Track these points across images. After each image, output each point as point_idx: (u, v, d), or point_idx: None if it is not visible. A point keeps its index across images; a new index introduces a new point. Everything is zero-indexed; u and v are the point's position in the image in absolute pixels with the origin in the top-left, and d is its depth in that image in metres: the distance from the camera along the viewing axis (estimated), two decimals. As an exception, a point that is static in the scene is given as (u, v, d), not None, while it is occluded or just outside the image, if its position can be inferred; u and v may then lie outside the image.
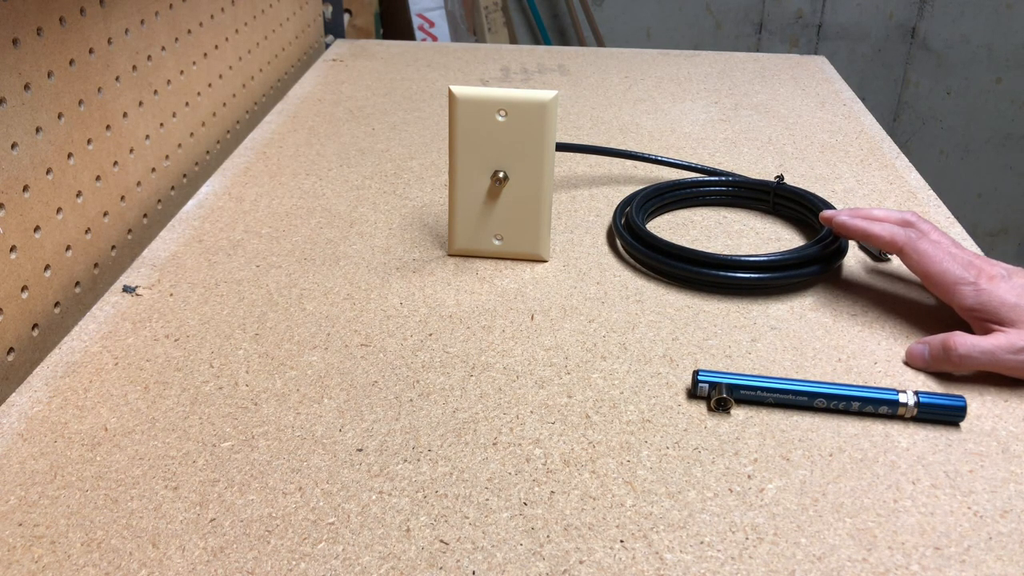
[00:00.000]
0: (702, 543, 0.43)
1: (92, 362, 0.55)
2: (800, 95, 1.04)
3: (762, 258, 0.63)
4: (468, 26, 2.03)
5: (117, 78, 0.71)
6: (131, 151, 0.74)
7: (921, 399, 0.50)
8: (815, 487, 0.46)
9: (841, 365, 0.56)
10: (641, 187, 0.77)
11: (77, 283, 0.66)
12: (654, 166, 0.84)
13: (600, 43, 2.21)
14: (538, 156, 0.63)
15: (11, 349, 0.58)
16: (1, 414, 0.51)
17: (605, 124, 0.95)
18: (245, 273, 0.65)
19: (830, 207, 0.69)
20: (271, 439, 0.49)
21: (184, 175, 0.85)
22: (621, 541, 0.43)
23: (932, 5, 2.15)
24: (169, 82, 0.80)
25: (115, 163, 0.71)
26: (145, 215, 0.77)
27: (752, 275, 0.62)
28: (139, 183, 0.76)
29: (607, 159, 0.86)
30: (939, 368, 0.55)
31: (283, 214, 0.74)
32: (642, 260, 0.66)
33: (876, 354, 0.57)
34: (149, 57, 0.76)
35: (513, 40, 2.19)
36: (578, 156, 0.87)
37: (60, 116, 0.63)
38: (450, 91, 0.62)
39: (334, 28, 1.28)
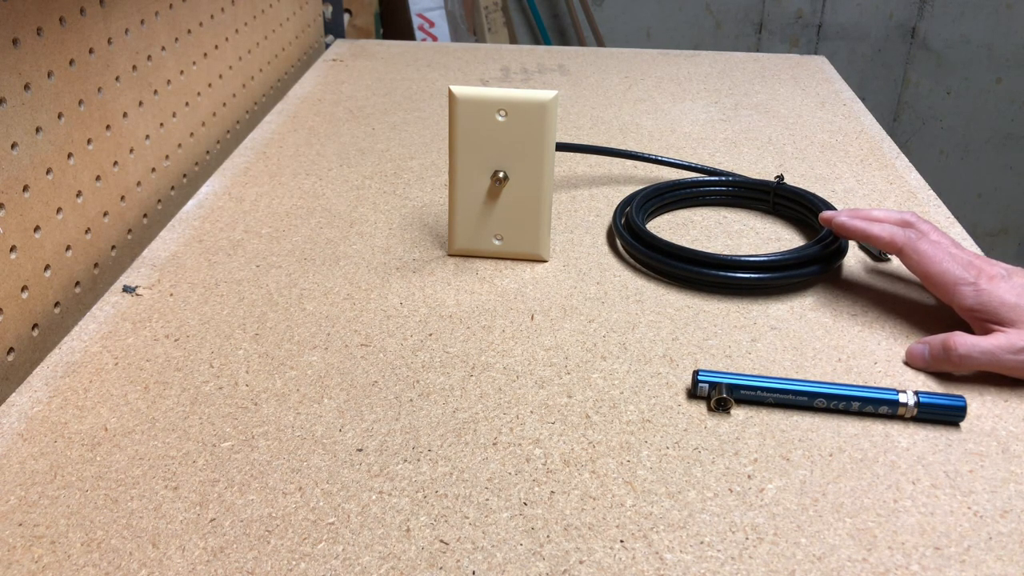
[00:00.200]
0: (702, 543, 0.43)
1: (92, 362, 0.55)
2: (800, 95, 1.04)
3: (762, 258, 0.63)
4: (468, 26, 2.03)
5: (117, 78, 0.71)
6: (131, 151, 0.74)
7: (921, 399, 0.50)
8: (815, 487, 0.46)
9: (841, 365, 0.56)
10: (641, 187, 0.77)
11: (77, 283, 0.66)
12: (654, 166, 0.84)
13: (600, 43, 2.21)
14: (538, 156, 0.63)
15: (11, 349, 0.58)
16: (1, 414, 0.51)
17: (605, 124, 0.95)
18: (245, 273, 0.65)
19: (830, 207, 0.69)
20: (271, 439, 0.49)
21: (184, 175, 0.85)
22: (621, 541, 0.43)
23: (932, 5, 2.15)
24: (169, 82, 0.80)
25: (115, 163, 0.71)
26: (145, 215, 0.77)
27: (752, 275, 0.62)
28: (139, 183, 0.76)
29: (607, 159, 0.86)
30: (939, 368, 0.55)
31: (283, 214, 0.74)
32: (642, 260, 0.66)
33: (876, 354, 0.57)
34: (149, 57, 0.76)
35: (513, 40, 2.19)
36: (578, 156, 0.87)
37: (60, 116, 0.63)
38: (450, 91, 0.62)
39: (334, 28, 1.28)
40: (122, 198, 0.73)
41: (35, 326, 0.61)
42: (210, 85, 0.89)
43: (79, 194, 0.66)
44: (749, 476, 0.47)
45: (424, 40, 1.81)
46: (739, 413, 0.52)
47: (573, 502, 0.45)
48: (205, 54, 0.88)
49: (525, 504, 0.45)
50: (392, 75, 1.09)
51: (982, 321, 0.55)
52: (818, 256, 0.64)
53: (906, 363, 0.56)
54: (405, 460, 0.48)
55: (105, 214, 0.70)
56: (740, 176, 0.77)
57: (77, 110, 0.65)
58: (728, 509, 0.45)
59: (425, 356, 0.56)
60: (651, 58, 1.17)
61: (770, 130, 0.93)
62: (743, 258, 0.63)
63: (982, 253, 0.61)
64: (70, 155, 0.65)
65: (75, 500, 0.45)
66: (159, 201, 0.80)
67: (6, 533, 0.43)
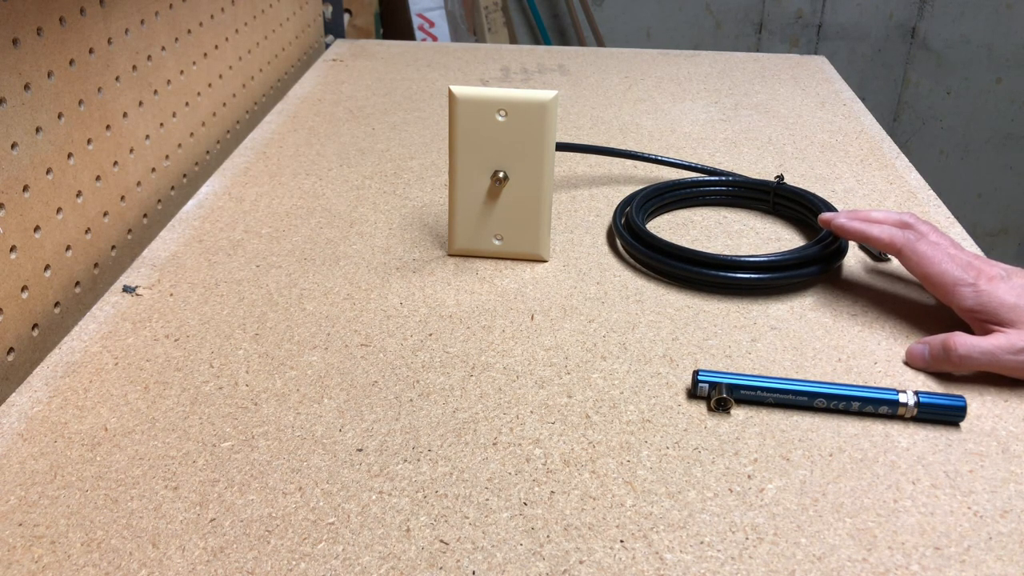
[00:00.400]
0: (702, 543, 0.43)
1: (92, 362, 0.55)
2: (800, 95, 1.04)
3: (762, 258, 0.63)
4: (468, 26, 2.03)
5: (117, 78, 0.71)
6: (131, 151, 0.74)
7: (921, 399, 0.50)
8: (815, 487, 0.46)
9: (841, 365, 0.56)
10: (641, 187, 0.77)
11: (77, 283, 0.66)
12: (654, 166, 0.84)
13: (600, 43, 2.21)
14: (538, 156, 0.63)
15: (11, 349, 0.58)
16: (1, 414, 0.51)
17: (605, 124, 0.95)
18: (245, 273, 0.65)
19: (830, 207, 0.69)
20: (271, 439, 0.49)
21: (184, 175, 0.85)
22: (621, 541, 0.43)
23: (932, 5, 2.15)
24: (169, 82, 0.80)
25: (115, 163, 0.71)
26: (145, 215, 0.77)
27: (752, 275, 0.62)
28: (139, 183, 0.76)
29: (607, 159, 0.86)
30: (939, 368, 0.55)
31: (283, 214, 0.74)
32: (642, 260, 0.66)
33: (876, 354, 0.57)
34: (149, 57, 0.76)
35: (513, 40, 2.19)
36: (578, 156, 0.87)
37: (60, 116, 0.63)
38: (450, 91, 0.62)
39: (334, 28, 1.28)
40: (122, 198, 0.73)
41: (35, 326, 0.61)
42: (210, 85, 0.89)
43: (79, 194, 0.66)
44: (749, 476, 0.47)
45: (424, 40, 1.81)
46: (739, 413, 0.52)
47: (573, 502, 0.45)
48: (205, 54, 0.88)
49: (525, 504, 0.45)
50: (392, 75, 1.09)
51: (981, 322, 0.55)
52: (818, 256, 0.64)
53: (906, 363, 0.56)
54: (405, 460, 0.48)
55: (105, 214, 0.70)
56: (740, 176, 0.77)
57: (77, 110, 0.65)
58: (728, 509, 0.45)
59: (425, 356, 0.56)
60: (651, 58, 1.17)
61: (770, 130, 0.93)
62: (743, 258, 0.63)
63: (982, 253, 0.61)
64: (70, 155, 0.65)
65: (75, 500, 0.45)
66: (159, 201, 0.80)
67: (6, 533, 0.43)
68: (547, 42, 2.25)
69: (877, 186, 0.80)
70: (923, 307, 0.62)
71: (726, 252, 0.69)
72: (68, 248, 0.65)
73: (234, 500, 0.45)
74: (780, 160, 0.86)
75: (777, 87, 1.06)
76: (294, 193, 0.78)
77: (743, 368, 0.55)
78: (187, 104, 0.84)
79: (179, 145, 0.83)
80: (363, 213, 0.75)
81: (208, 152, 0.90)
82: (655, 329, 0.59)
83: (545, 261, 0.67)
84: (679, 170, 0.82)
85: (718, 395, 0.51)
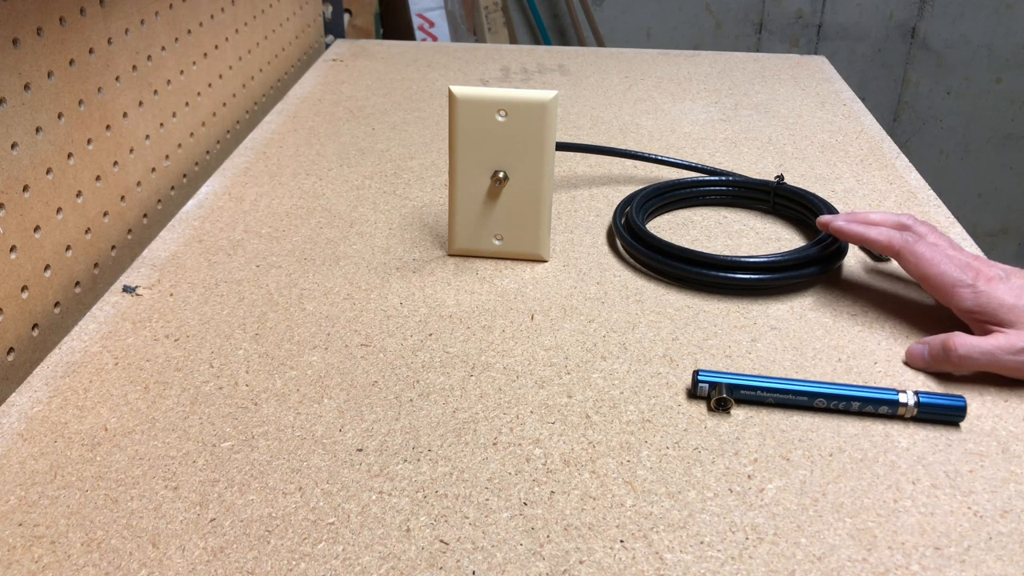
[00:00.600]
0: (702, 543, 0.43)
1: (92, 362, 0.55)
2: (800, 95, 1.04)
3: (762, 259, 0.63)
4: (468, 26, 2.03)
5: (117, 78, 0.71)
6: (131, 151, 0.74)
7: (921, 399, 0.50)
8: (815, 487, 0.46)
9: (841, 365, 0.56)
10: (641, 187, 0.77)
11: (77, 283, 0.66)
12: (654, 166, 0.84)
13: (600, 43, 2.21)
14: (538, 156, 0.63)
15: (11, 349, 0.58)
16: (1, 414, 0.51)
17: (605, 124, 0.95)
18: (245, 273, 0.65)
19: (830, 207, 0.69)
20: (271, 439, 0.49)
21: (184, 175, 0.85)
22: (621, 541, 0.43)
23: (932, 5, 2.15)
24: (169, 82, 0.80)
25: (115, 163, 0.71)
26: (145, 215, 0.77)
27: (752, 276, 0.62)
28: (139, 183, 0.76)
29: (607, 159, 0.86)
30: (939, 368, 0.55)
31: (283, 214, 0.74)
32: (642, 260, 0.66)
33: (876, 354, 0.57)
34: (149, 57, 0.76)
35: (513, 40, 2.19)
36: (578, 156, 0.87)
37: (60, 116, 0.63)
38: (450, 91, 0.62)
39: (334, 28, 1.28)
40: (122, 198, 0.73)
41: (35, 326, 0.61)
42: (210, 85, 0.89)
43: (79, 194, 0.66)
44: (749, 476, 0.47)
45: (424, 40, 1.81)
46: (739, 413, 0.52)
47: (573, 502, 0.45)
48: (205, 54, 0.88)
49: (525, 504, 0.45)
50: (392, 75, 1.09)
51: (981, 322, 0.55)
52: (818, 257, 0.64)
53: (906, 363, 0.56)
54: (405, 460, 0.48)
55: (105, 214, 0.70)
56: (740, 176, 0.77)
57: (77, 110, 0.65)
58: (728, 509, 0.45)
59: (425, 356, 0.56)
60: (651, 58, 1.17)
61: (770, 130, 0.93)
62: (743, 258, 0.63)
63: (982, 253, 0.61)
64: (70, 155, 0.65)
65: (75, 500, 0.45)
66: (159, 201, 0.80)
67: (6, 533, 0.43)
68: (547, 42, 2.25)
69: (877, 186, 0.80)
70: (923, 307, 0.62)
71: (726, 252, 0.69)
72: (68, 248, 0.65)
73: (234, 500, 0.45)
74: (780, 160, 0.86)
75: (777, 87, 1.06)
76: (294, 193, 0.78)
77: (743, 368, 0.55)
78: (187, 104, 0.84)
79: (179, 145, 0.83)
80: (363, 213, 0.75)
81: (208, 152, 0.90)
82: (655, 329, 0.59)
83: (545, 261, 0.67)
84: (679, 170, 0.82)
85: (718, 395, 0.51)
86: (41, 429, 0.50)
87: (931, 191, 0.79)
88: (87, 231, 0.68)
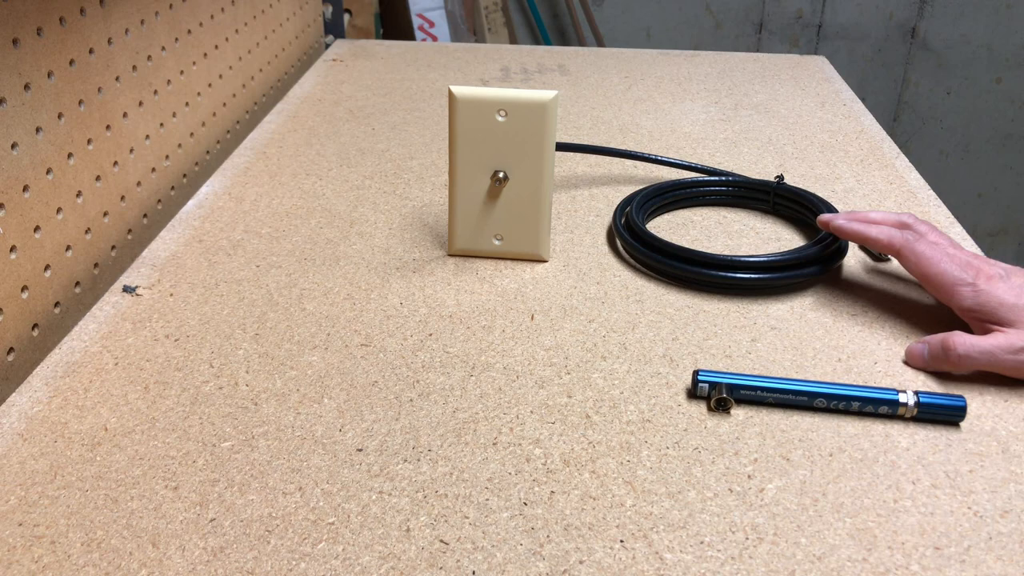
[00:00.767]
0: (702, 543, 0.43)
1: (92, 362, 0.55)
2: (800, 95, 1.04)
3: (762, 258, 0.63)
4: (468, 26, 2.03)
5: (117, 78, 0.71)
6: (131, 151, 0.74)
7: (921, 399, 0.50)
8: (815, 487, 0.46)
9: (841, 365, 0.56)
10: (641, 187, 0.77)
11: (77, 283, 0.66)
12: (654, 166, 0.84)
13: (600, 43, 2.21)
14: (538, 156, 0.63)
15: (11, 349, 0.58)
16: (1, 414, 0.51)
17: (605, 124, 0.95)
18: (245, 273, 0.65)
19: (830, 207, 0.69)
20: (271, 439, 0.49)
21: (184, 175, 0.85)
22: (621, 541, 0.43)
23: (932, 5, 2.15)
24: (169, 82, 0.80)
25: (115, 163, 0.71)
26: (145, 215, 0.77)
27: (752, 275, 0.62)
28: (139, 183, 0.76)
29: (607, 159, 0.86)
30: (938, 368, 0.55)
31: (283, 214, 0.74)
32: (642, 260, 0.66)
33: (876, 354, 0.57)
34: (149, 57, 0.76)
35: (513, 40, 2.19)
36: (578, 156, 0.87)
37: (60, 116, 0.63)
38: (450, 91, 0.62)
39: (334, 28, 1.28)
40: (122, 198, 0.73)
41: (35, 326, 0.61)
42: (210, 85, 0.89)
43: (79, 194, 0.66)
44: (749, 476, 0.47)
45: (424, 40, 1.81)
46: (739, 413, 0.51)
47: (573, 502, 0.45)
48: (205, 54, 0.88)
49: (525, 504, 0.45)
50: (392, 75, 1.09)
51: (981, 321, 0.55)
52: (818, 256, 0.64)
53: (905, 363, 0.56)
54: (405, 460, 0.48)
55: (105, 214, 0.70)
56: (740, 176, 0.77)
57: (77, 110, 0.65)
58: (728, 509, 0.45)
59: (425, 356, 0.56)
60: (651, 58, 1.17)
61: (770, 130, 0.93)
62: (743, 258, 0.63)
63: (982, 253, 0.61)
64: (70, 155, 0.65)
65: (75, 500, 0.45)
66: (159, 201, 0.80)
67: (6, 533, 0.43)
68: (547, 42, 2.25)
69: (877, 186, 0.80)
70: (923, 307, 0.62)
71: (726, 252, 0.69)
72: (68, 248, 0.65)
73: (234, 500, 0.45)
74: (780, 160, 0.86)
75: (777, 87, 1.06)
76: (294, 193, 0.78)
77: (743, 368, 0.55)
78: (187, 104, 0.84)
79: (179, 145, 0.83)
80: (363, 213, 0.75)
81: (208, 152, 0.90)
82: (655, 329, 0.59)
83: (545, 261, 0.67)
84: (679, 170, 0.82)
85: (718, 395, 0.51)
86: (41, 429, 0.50)
87: (931, 191, 0.79)
88: (87, 231, 0.68)
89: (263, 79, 1.05)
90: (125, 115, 0.73)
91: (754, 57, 1.18)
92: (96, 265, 0.69)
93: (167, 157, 0.81)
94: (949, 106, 2.24)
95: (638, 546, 0.43)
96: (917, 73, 2.22)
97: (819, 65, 1.15)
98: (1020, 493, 0.46)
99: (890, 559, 0.42)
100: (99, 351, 0.56)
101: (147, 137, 0.77)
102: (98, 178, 0.69)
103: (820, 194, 0.77)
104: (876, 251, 0.68)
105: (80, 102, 0.66)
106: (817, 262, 0.64)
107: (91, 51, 0.67)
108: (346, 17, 1.48)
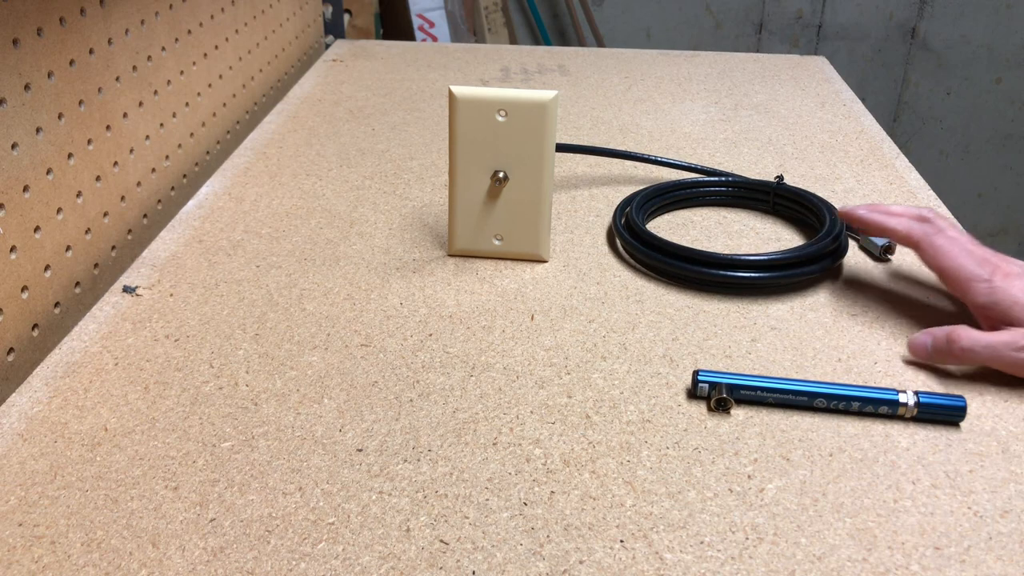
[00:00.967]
0: (702, 543, 0.43)
1: (92, 362, 0.55)
2: (800, 95, 1.04)
3: (762, 257, 0.63)
4: (468, 26, 2.03)
5: (117, 78, 0.71)
6: (131, 151, 0.74)
7: (921, 399, 0.50)
8: (815, 487, 0.46)
9: (841, 365, 0.56)
10: (641, 187, 0.77)
11: (77, 283, 0.66)
12: (654, 166, 0.84)
13: (600, 43, 2.21)
14: (538, 156, 0.63)
15: (11, 349, 0.58)
16: (1, 414, 0.51)
17: (605, 124, 0.95)
18: (245, 273, 0.65)
19: (830, 207, 0.69)
20: (271, 439, 0.49)
21: (184, 175, 0.85)
22: (621, 541, 0.43)
23: (932, 5, 2.15)
24: (169, 82, 0.80)
25: (115, 163, 0.71)
26: (145, 215, 0.77)
27: (752, 274, 0.62)
28: (139, 183, 0.76)
29: (607, 159, 0.86)
30: (940, 361, 0.54)
31: (283, 214, 0.74)
32: (642, 260, 0.66)
33: (876, 354, 0.57)
34: (149, 57, 0.76)
35: (513, 40, 2.19)
36: (578, 156, 0.87)
37: (60, 116, 0.63)
38: (450, 91, 0.62)
39: (334, 28, 1.28)
40: (122, 198, 0.73)
41: (35, 326, 0.61)
42: (210, 85, 0.89)
43: (79, 194, 0.66)
44: (749, 476, 0.47)
45: (424, 40, 1.81)
46: (739, 413, 0.51)
47: (573, 502, 0.45)
48: (205, 54, 0.88)
49: (525, 504, 0.45)
50: (392, 75, 1.09)
51: (993, 319, 0.54)
52: (818, 256, 0.64)
53: (907, 355, 0.55)
54: (405, 460, 0.48)
55: (105, 214, 0.70)
56: (740, 176, 0.77)
57: (77, 110, 0.65)
58: (728, 509, 0.45)
59: (425, 356, 0.56)
60: (651, 58, 1.17)
61: (770, 130, 0.93)
62: (743, 257, 0.63)
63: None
64: (70, 155, 0.65)
65: (75, 500, 0.45)
66: (159, 201, 0.80)
67: (6, 533, 0.43)
68: (547, 42, 2.25)
69: (877, 186, 0.80)
70: (923, 307, 0.62)
71: (726, 252, 0.69)
72: (68, 248, 0.65)
73: (234, 500, 0.45)
74: (780, 160, 0.86)
75: (777, 87, 1.06)
76: (294, 193, 0.78)
77: (743, 368, 0.55)
78: (187, 104, 0.84)
79: (179, 145, 0.83)
80: (363, 213, 0.75)
81: (208, 152, 0.90)
82: (655, 329, 0.59)
83: (545, 261, 0.67)
84: (679, 170, 0.82)
85: (718, 395, 0.51)
86: (41, 429, 0.50)
87: (931, 191, 0.79)
88: (87, 231, 0.68)
89: (263, 79, 1.05)
90: (125, 115, 0.73)
91: (754, 57, 1.18)
92: (96, 265, 0.69)
93: (167, 157, 0.81)
94: (949, 106, 2.24)
95: (638, 546, 0.43)
96: (917, 73, 2.22)
97: (819, 65, 1.15)
98: (1020, 493, 0.46)
99: (890, 559, 0.42)
100: (99, 351, 0.56)
101: (147, 137, 0.77)
102: (98, 178, 0.69)
103: (820, 194, 0.77)
104: (877, 250, 0.68)
105: (80, 102, 0.66)
106: (817, 261, 0.64)
107: (91, 51, 0.67)
108: (346, 17, 1.48)
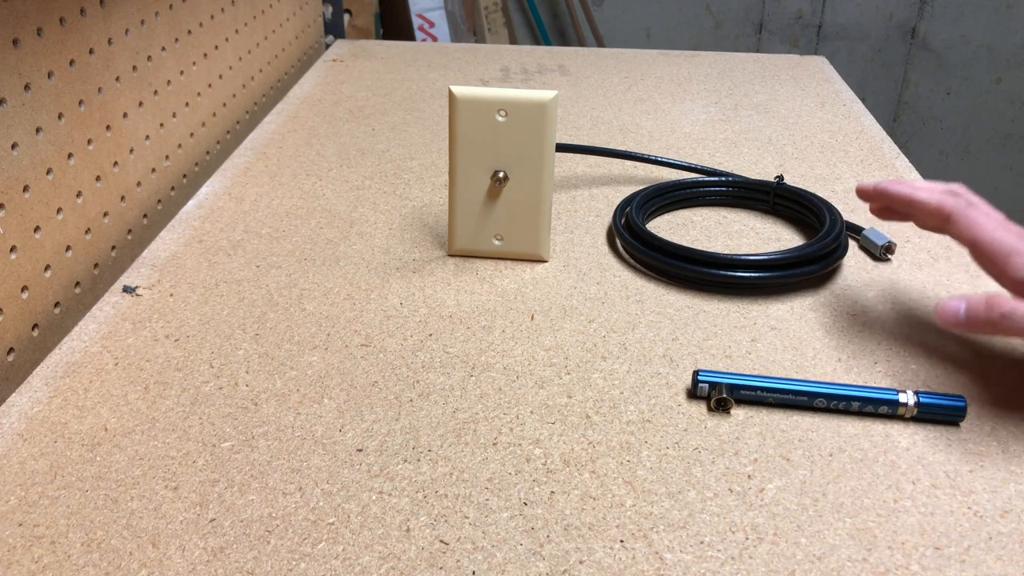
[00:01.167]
0: (702, 543, 0.43)
1: (92, 362, 0.55)
2: (800, 95, 1.04)
3: (762, 257, 0.63)
4: (468, 26, 2.04)
5: (117, 78, 0.71)
6: (131, 151, 0.74)
7: (921, 399, 0.50)
8: (815, 487, 0.46)
9: (841, 365, 0.56)
10: (641, 187, 0.77)
11: (77, 283, 0.66)
12: (654, 166, 0.84)
13: (600, 43, 2.21)
14: (538, 156, 0.63)
15: (11, 349, 0.58)
16: (1, 414, 0.51)
17: (605, 124, 0.95)
18: (245, 273, 0.65)
19: (830, 207, 0.69)
20: (271, 439, 0.49)
21: (184, 175, 0.85)
22: (621, 541, 0.43)
23: (932, 5, 2.15)
24: (169, 82, 0.80)
25: (115, 163, 0.71)
26: (145, 215, 0.77)
27: (752, 274, 0.62)
28: (139, 183, 0.76)
29: (607, 159, 0.86)
30: (973, 328, 0.50)
31: (283, 214, 0.74)
32: (642, 260, 0.66)
33: (876, 354, 0.57)
34: (149, 57, 0.76)
35: (513, 40, 2.19)
36: (578, 156, 0.87)
37: (60, 116, 0.63)
38: (450, 91, 0.62)
39: (334, 28, 1.28)
40: (122, 198, 0.73)
41: (35, 326, 0.61)
42: (210, 85, 0.89)
43: (79, 194, 0.66)
44: (749, 476, 0.47)
45: (424, 40, 1.81)
46: (739, 413, 0.52)
47: (573, 502, 0.45)
48: (205, 54, 0.88)
49: (525, 504, 0.45)
50: (392, 75, 1.09)
51: None
52: (818, 256, 0.64)
53: (938, 320, 0.52)
54: (405, 460, 0.48)
55: (105, 214, 0.70)
56: (740, 176, 0.77)
57: (77, 110, 0.65)
58: (728, 509, 0.45)
59: (425, 356, 0.56)
60: (651, 58, 1.18)
61: (770, 130, 0.93)
62: (743, 257, 0.63)
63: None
64: (70, 155, 0.65)
65: (75, 500, 0.45)
66: (159, 201, 0.80)
67: (6, 533, 0.43)
68: (547, 42, 2.25)
69: (877, 186, 0.80)
70: (923, 307, 0.62)
71: (726, 252, 0.69)
72: (68, 248, 0.65)
73: (234, 500, 0.45)
74: (780, 160, 0.86)
75: (777, 87, 1.07)
76: (294, 193, 0.78)
77: (743, 368, 0.55)
78: (187, 104, 0.84)
79: (179, 145, 0.83)
80: (363, 213, 0.75)
81: (208, 152, 0.90)
82: (655, 329, 0.59)
83: (545, 261, 0.67)
84: (679, 170, 0.82)
85: (718, 395, 0.51)
86: (41, 429, 0.50)
87: (931, 191, 0.79)
88: (87, 231, 0.68)
89: (263, 79, 1.05)
90: (125, 115, 0.73)
91: (754, 57, 1.18)
92: (96, 265, 0.69)
93: (167, 157, 0.81)
94: (949, 106, 2.24)
95: (638, 546, 0.43)
96: (917, 73, 2.22)
97: (819, 65, 1.15)
98: (1020, 493, 0.46)
99: (890, 559, 0.42)
100: (99, 351, 0.56)
101: (147, 137, 0.77)
102: (98, 178, 0.69)
103: (820, 194, 0.77)
104: (877, 250, 0.68)
105: (80, 102, 0.66)
106: (817, 261, 0.64)
107: (91, 51, 0.67)
108: (346, 17, 1.48)
